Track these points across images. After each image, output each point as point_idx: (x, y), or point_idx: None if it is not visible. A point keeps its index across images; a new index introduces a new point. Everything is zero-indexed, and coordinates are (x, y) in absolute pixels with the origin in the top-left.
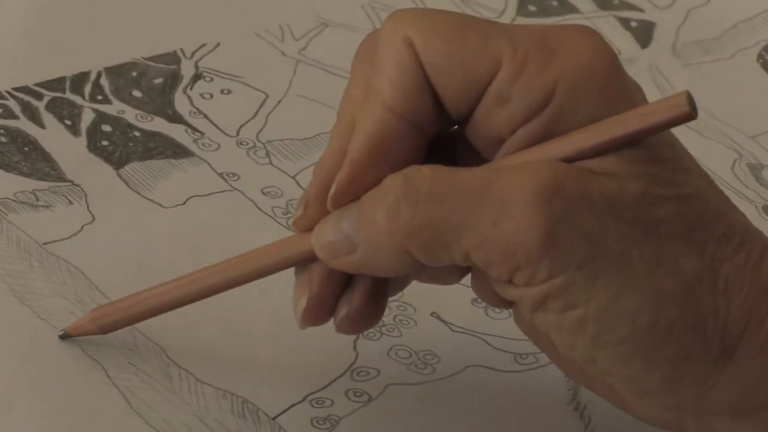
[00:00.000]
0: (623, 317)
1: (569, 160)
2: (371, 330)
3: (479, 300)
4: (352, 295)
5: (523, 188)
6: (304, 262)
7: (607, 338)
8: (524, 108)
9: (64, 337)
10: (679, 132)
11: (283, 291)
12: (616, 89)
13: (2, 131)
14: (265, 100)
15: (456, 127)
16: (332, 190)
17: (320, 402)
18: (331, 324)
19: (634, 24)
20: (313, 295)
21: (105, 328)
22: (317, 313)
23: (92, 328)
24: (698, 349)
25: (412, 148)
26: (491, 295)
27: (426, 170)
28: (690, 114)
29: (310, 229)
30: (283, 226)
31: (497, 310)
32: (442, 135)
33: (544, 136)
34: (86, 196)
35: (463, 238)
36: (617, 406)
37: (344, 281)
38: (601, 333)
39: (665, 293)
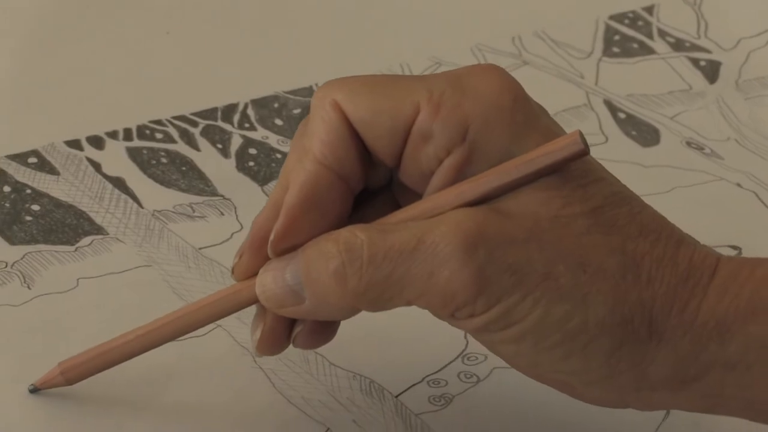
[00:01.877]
0: (555, 325)
1: (486, 198)
2: None
3: None
4: (304, 323)
5: (449, 241)
6: (247, 306)
7: (544, 345)
8: (445, 141)
9: (34, 391)
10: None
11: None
12: (522, 117)
13: (163, 153)
14: None
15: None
16: (271, 237)
17: (436, 382)
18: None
19: (703, 63)
20: (267, 328)
21: (71, 380)
22: (272, 343)
23: (60, 380)
24: (629, 338)
25: (341, 199)
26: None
27: (362, 236)
28: (584, 150)
29: (247, 276)
30: None
31: None
32: (372, 189)
33: (466, 165)
34: (235, 209)
35: (404, 292)
36: (569, 395)
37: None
38: (539, 341)
39: (592, 295)
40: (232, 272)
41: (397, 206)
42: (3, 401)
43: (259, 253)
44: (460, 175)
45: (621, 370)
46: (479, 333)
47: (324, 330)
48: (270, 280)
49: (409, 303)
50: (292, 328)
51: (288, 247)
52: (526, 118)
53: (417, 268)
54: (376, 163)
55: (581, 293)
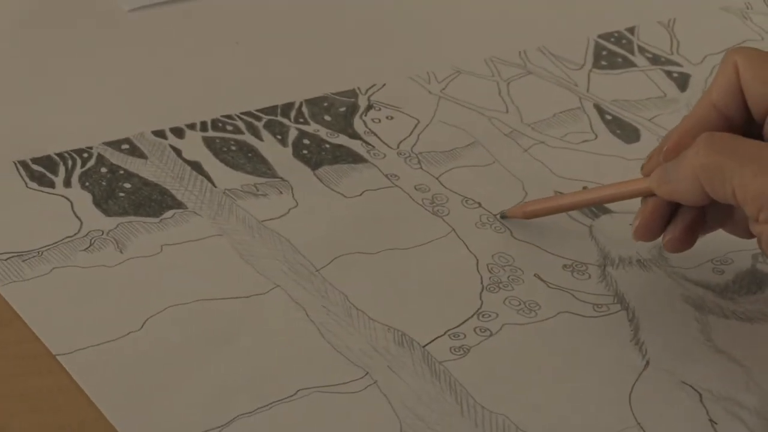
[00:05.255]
0: None
1: None
2: (492, 285)
3: (567, 266)
4: (675, 228)
5: None
6: (643, 194)
7: None
8: None
9: (503, 217)
10: None
11: (424, 271)
12: None
13: (233, 143)
14: (417, 124)
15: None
16: (665, 148)
17: (456, 335)
18: (464, 281)
19: (675, 75)
20: (644, 219)
21: (529, 215)
22: (644, 233)
23: (520, 213)
24: None
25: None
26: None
27: (725, 133)
28: None
29: (649, 173)
30: (429, 212)
31: (580, 273)
32: (747, 134)
33: None
34: (292, 189)
35: (733, 179)
36: None
37: (667, 215)
38: None
39: None
40: (642, 168)
41: None
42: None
43: (659, 157)
44: None
45: None
46: None
47: (687, 239)
48: (658, 171)
49: (733, 192)
50: (659, 229)
51: (674, 156)
52: None
53: (749, 165)
54: (752, 116)
55: None
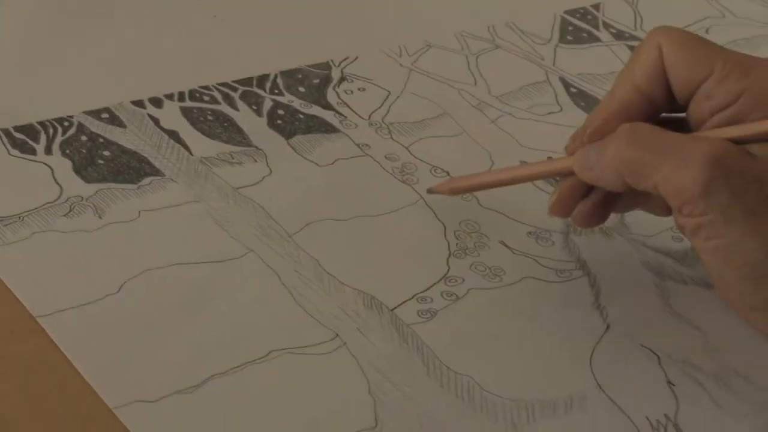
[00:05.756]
0: (744, 251)
1: (738, 142)
2: (459, 251)
3: (532, 233)
4: (586, 202)
5: (699, 152)
6: (564, 174)
7: (732, 263)
8: (721, 102)
9: (431, 191)
10: None
11: (393, 237)
12: None
13: (209, 113)
14: (388, 96)
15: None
16: (588, 131)
17: (423, 299)
18: (431, 247)
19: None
20: (561, 194)
21: (455, 191)
22: (560, 207)
23: (446, 189)
24: None
25: (644, 116)
26: (679, 226)
27: (646, 126)
28: None
29: (572, 154)
30: (399, 180)
31: (544, 240)
32: (669, 114)
33: (729, 123)
34: (266, 157)
35: (655, 174)
36: (739, 313)
37: (583, 193)
38: (729, 259)
39: None
40: (565, 149)
41: None
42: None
43: (582, 139)
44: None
45: None
46: (692, 235)
47: (597, 215)
48: (581, 154)
49: (655, 186)
50: (575, 205)
51: (598, 140)
52: None
53: (671, 159)
54: (675, 99)
55: None
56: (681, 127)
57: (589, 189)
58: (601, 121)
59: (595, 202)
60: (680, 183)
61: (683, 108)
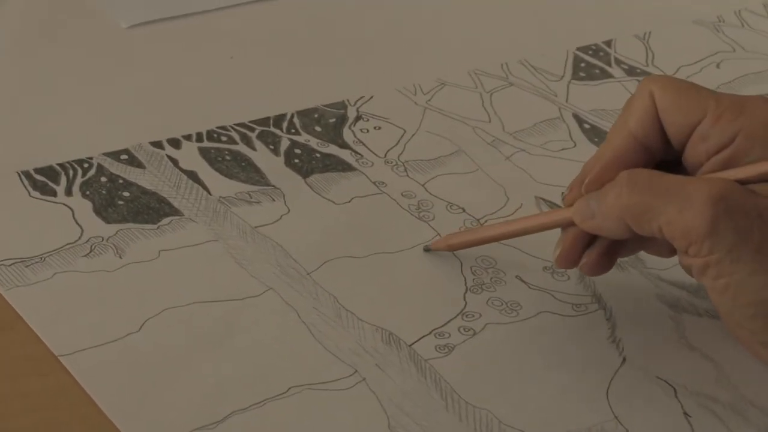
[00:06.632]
0: (753, 289)
1: (740, 182)
2: (476, 286)
3: (548, 268)
4: (591, 252)
5: (702, 192)
6: (565, 225)
7: (740, 301)
8: (716, 144)
9: (427, 250)
10: None
11: (411, 274)
12: None
13: (227, 152)
14: (403, 134)
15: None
16: (586, 181)
17: (441, 335)
18: (448, 283)
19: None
20: (565, 247)
21: (453, 247)
22: (566, 260)
23: (444, 246)
24: None
25: (642, 163)
26: (684, 266)
27: (645, 171)
28: None
29: (570, 205)
30: (415, 217)
31: (560, 274)
32: (665, 161)
33: (727, 165)
34: (284, 196)
35: (659, 217)
36: (748, 351)
37: (587, 242)
38: (737, 297)
39: None
40: (563, 199)
41: None
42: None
43: (580, 188)
44: (720, 170)
45: None
46: (700, 275)
47: (603, 263)
48: (581, 204)
49: (660, 230)
50: (581, 255)
51: (597, 189)
52: None
53: (673, 202)
54: (671, 144)
55: None
56: (678, 173)
57: (593, 238)
58: (599, 170)
59: (600, 251)
60: (685, 224)
61: (679, 154)
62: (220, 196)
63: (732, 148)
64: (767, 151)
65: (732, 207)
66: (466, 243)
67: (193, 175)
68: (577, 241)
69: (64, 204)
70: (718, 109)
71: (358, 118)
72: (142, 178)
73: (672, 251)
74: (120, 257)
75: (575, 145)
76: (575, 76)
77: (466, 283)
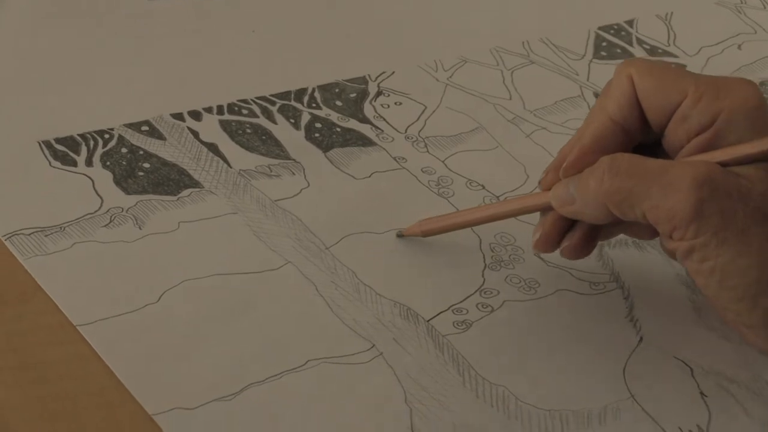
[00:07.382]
0: (738, 271)
1: (722, 164)
2: (494, 263)
3: None
4: (572, 235)
5: (686, 176)
6: (544, 209)
7: (726, 284)
8: (697, 125)
9: (400, 235)
10: None
11: (429, 250)
12: (761, 120)
13: (248, 126)
14: (424, 110)
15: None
16: (564, 165)
17: (459, 311)
18: (467, 260)
19: (672, 66)
20: (545, 231)
21: (426, 233)
22: (545, 244)
23: (418, 231)
24: None
25: (620, 146)
26: (668, 250)
27: (626, 155)
28: None
29: (547, 189)
30: (435, 193)
31: None
32: (644, 144)
33: (708, 146)
34: (304, 170)
35: (643, 203)
36: (736, 331)
37: (567, 227)
38: (723, 279)
39: None
40: (539, 183)
41: None
42: (109, 316)
43: (558, 172)
44: (702, 152)
45: None
46: (684, 258)
47: (584, 247)
48: (560, 189)
49: (643, 216)
50: (561, 240)
51: (575, 173)
52: (764, 121)
53: (657, 187)
54: (650, 127)
55: (764, 255)
56: (657, 155)
57: (572, 222)
58: (577, 154)
59: (581, 235)
60: (670, 208)
61: (658, 136)
62: (240, 169)
63: (713, 129)
64: (748, 132)
65: (716, 190)
66: (441, 229)
67: (213, 148)
68: (557, 225)
69: (84, 174)
70: (698, 90)
71: (378, 93)
72: (163, 150)
73: (653, 233)
74: (139, 228)
75: None
76: (596, 55)
77: (484, 260)
